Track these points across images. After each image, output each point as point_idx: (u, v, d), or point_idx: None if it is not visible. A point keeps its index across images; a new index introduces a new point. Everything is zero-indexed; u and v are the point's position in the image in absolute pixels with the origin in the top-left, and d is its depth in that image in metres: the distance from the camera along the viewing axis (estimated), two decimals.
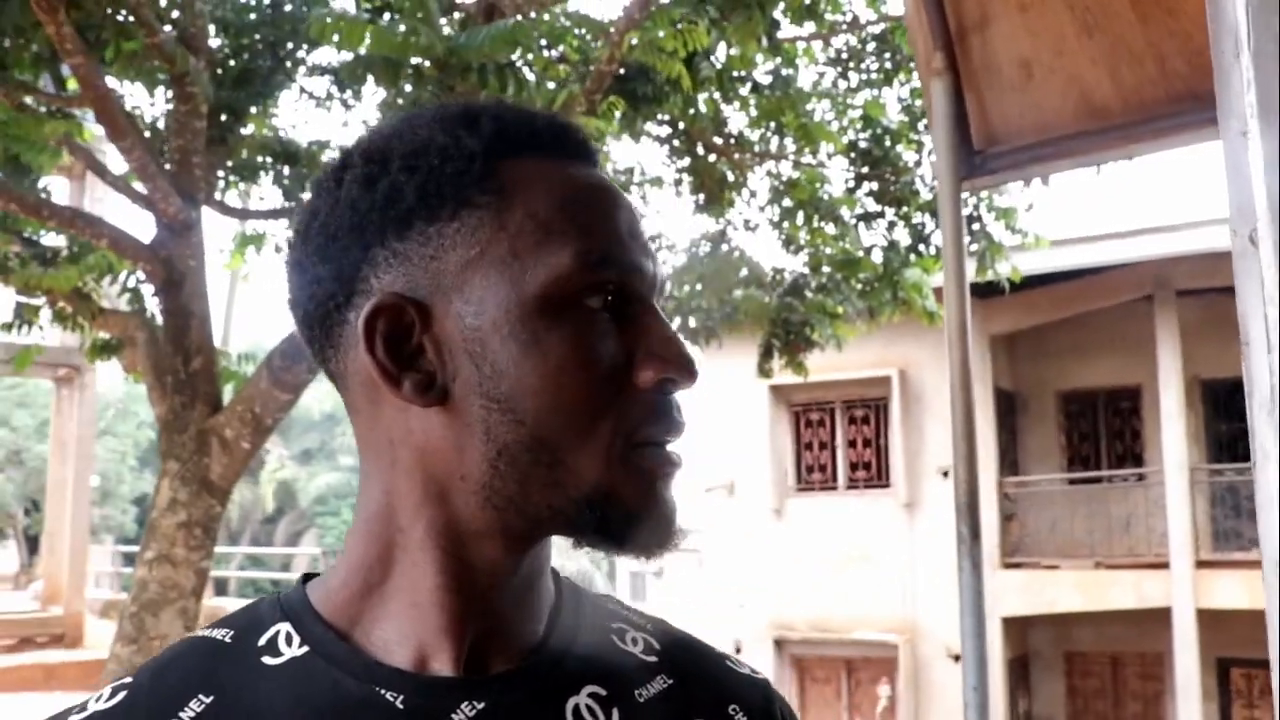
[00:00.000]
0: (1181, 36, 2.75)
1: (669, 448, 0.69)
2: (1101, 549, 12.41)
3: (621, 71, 5.60)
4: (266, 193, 7.64)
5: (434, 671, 0.69)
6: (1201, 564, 11.74)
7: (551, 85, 5.45)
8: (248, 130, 6.92)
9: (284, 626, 0.70)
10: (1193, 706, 11.39)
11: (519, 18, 5.15)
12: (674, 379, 0.68)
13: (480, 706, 0.68)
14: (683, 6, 5.39)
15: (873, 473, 13.82)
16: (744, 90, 7.28)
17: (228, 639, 0.71)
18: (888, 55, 7.73)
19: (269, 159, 7.01)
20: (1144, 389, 12.97)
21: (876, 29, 7.72)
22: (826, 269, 8.07)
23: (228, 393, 6.43)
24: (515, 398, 0.66)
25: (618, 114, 5.65)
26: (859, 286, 8.00)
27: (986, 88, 2.93)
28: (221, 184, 7.04)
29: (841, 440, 13.98)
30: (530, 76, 5.16)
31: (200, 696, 0.67)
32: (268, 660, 0.69)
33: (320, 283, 0.69)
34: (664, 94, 5.92)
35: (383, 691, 0.67)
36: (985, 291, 9.00)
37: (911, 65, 7.37)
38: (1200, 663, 11.59)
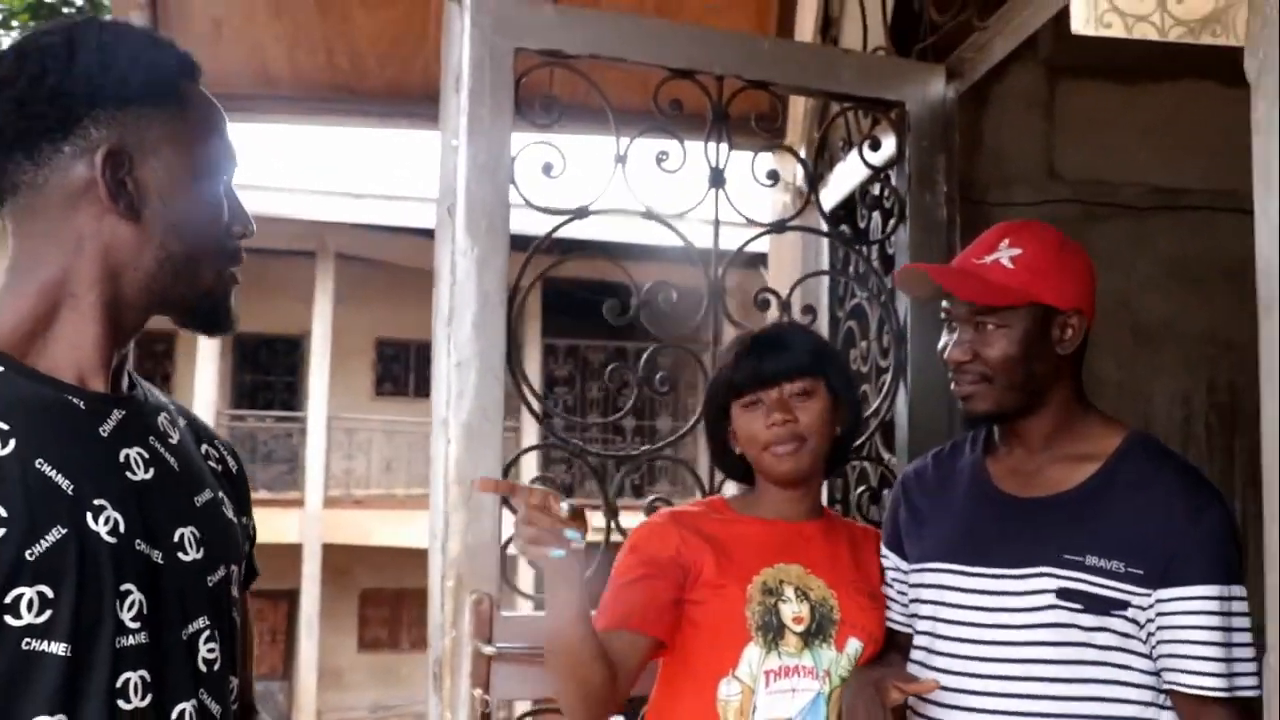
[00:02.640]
0: (348, 39, 3.43)
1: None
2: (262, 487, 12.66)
3: None
4: None
5: (93, 388, 1.04)
6: (330, 502, 12.74)
7: None
8: None
9: None
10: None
11: None
12: (241, 233, 1.14)
13: (123, 413, 1.06)
14: None
15: None
16: None
17: None
18: None
19: None
20: (307, 339, 13.40)
21: None
22: None
23: None
24: (183, 226, 1.07)
25: None
26: None
27: (179, 34, 3.28)
28: None
29: None
30: None
31: None
32: None
33: (41, 119, 1.00)
34: None
35: (68, 397, 1.02)
36: None
37: None
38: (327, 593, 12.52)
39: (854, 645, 1.66)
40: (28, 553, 0.92)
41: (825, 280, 2.80)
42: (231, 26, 3.34)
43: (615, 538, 2.04)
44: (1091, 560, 1.48)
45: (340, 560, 13.13)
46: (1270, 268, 1.30)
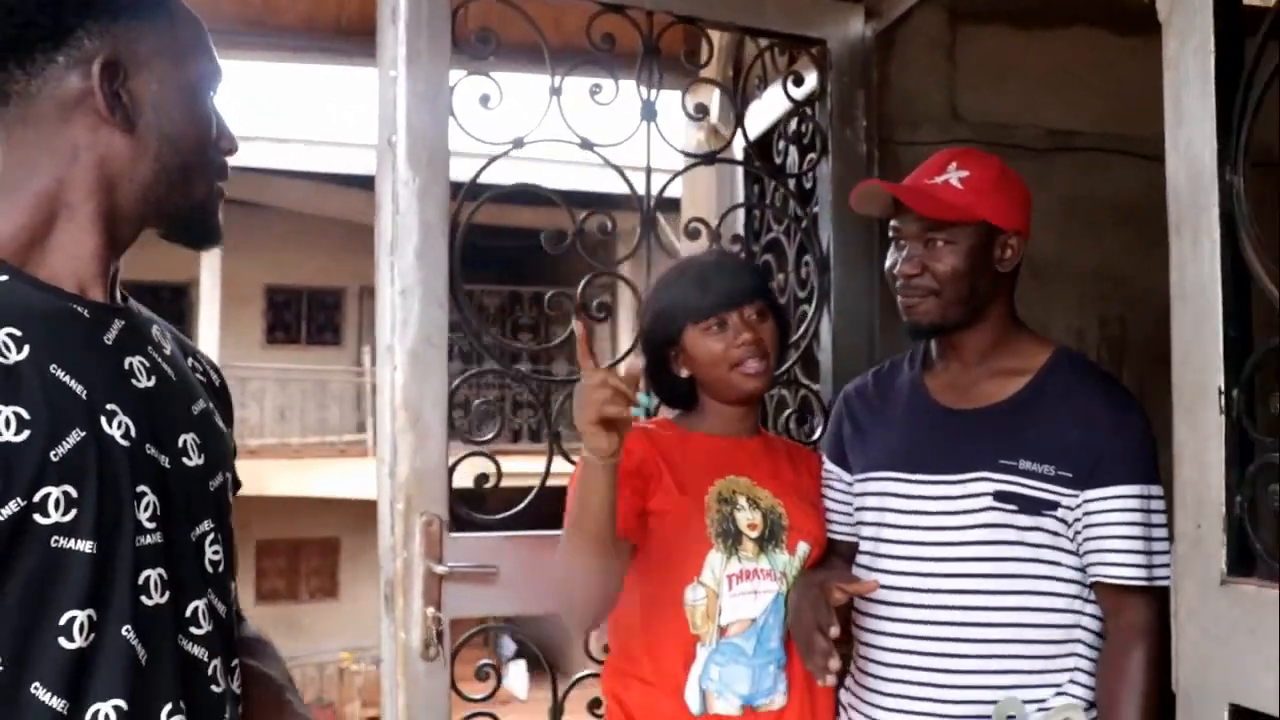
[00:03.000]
0: None
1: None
2: None
3: None
4: None
5: (93, 298, 1.07)
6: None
7: None
8: None
9: None
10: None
11: None
12: (228, 148, 1.16)
13: (122, 323, 1.09)
14: None
15: None
16: None
17: None
18: None
19: None
20: (195, 286, 13.04)
21: None
22: None
23: None
24: (176, 139, 1.09)
25: None
26: None
27: None
28: None
29: None
30: None
31: None
32: None
33: (33, 26, 1.01)
34: None
35: (73, 305, 1.04)
36: None
37: None
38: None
39: (803, 548, 1.77)
40: (51, 454, 0.95)
41: (740, 213, 2.88)
42: None
43: (558, 468, 2.11)
44: (1025, 465, 1.60)
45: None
46: (1177, 190, 1.41)
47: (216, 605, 1.12)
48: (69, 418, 0.97)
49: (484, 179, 2.17)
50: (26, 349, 0.97)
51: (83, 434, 0.98)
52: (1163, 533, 1.59)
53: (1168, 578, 1.51)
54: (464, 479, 2.06)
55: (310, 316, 14.81)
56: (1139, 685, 1.54)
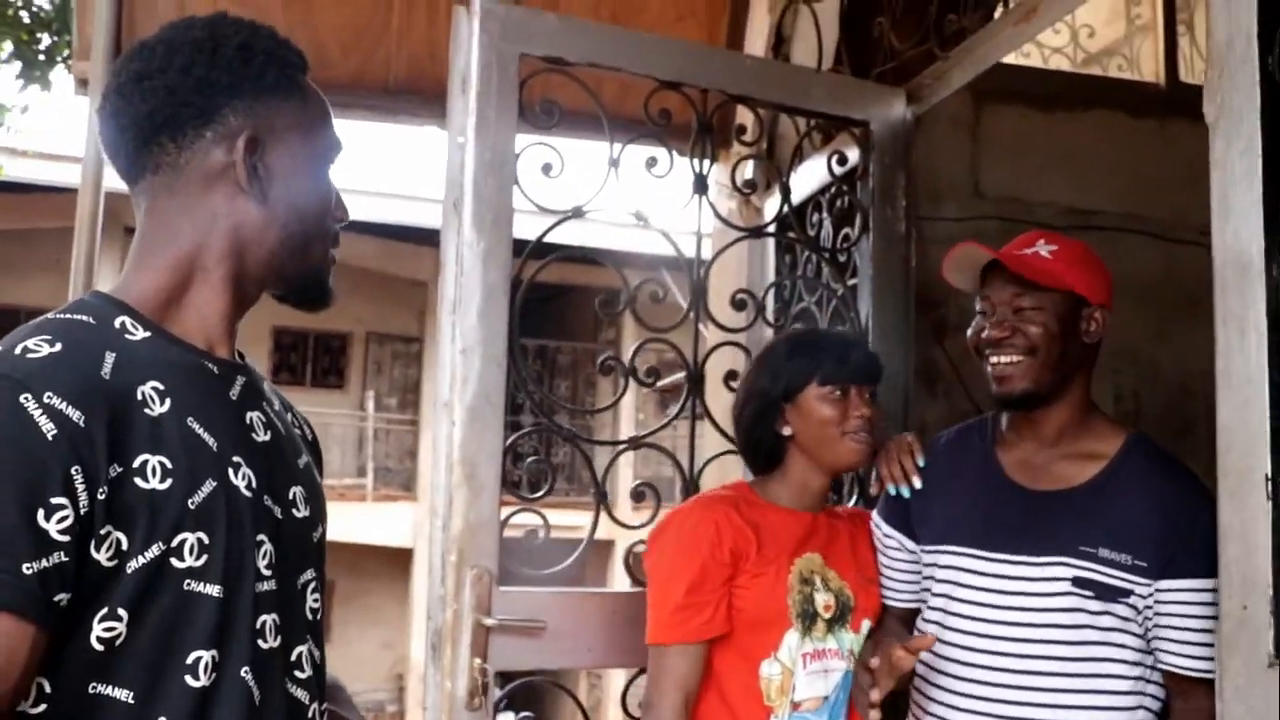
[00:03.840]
0: (310, 28, 3.46)
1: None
2: None
3: None
4: None
5: (220, 355, 1.15)
6: None
7: None
8: None
9: (125, 318, 1.08)
10: None
11: None
12: (341, 216, 1.24)
13: (244, 379, 1.17)
14: None
15: None
16: None
17: (92, 321, 1.06)
18: None
19: None
20: None
21: None
22: None
23: None
24: (301, 208, 1.18)
25: None
26: None
27: (143, 14, 3.30)
28: None
29: None
30: None
31: (107, 352, 1.02)
32: (129, 336, 1.06)
33: (188, 106, 1.11)
34: None
35: (205, 362, 1.12)
36: None
37: None
38: None
39: (865, 625, 1.86)
40: (189, 501, 1.02)
41: (767, 279, 2.96)
42: (196, 9, 3.36)
43: (605, 527, 2.18)
44: (1104, 553, 1.64)
45: None
46: (1225, 283, 1.48)
47: (314, 651, 1.18)
48: (203, 468, 1.04)
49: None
50: (169, 402, 1.04)
51: (214, 484, 1.04)
52: None
53: None
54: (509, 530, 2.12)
55: (316, 359, 14.87)
56: None
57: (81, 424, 0.95)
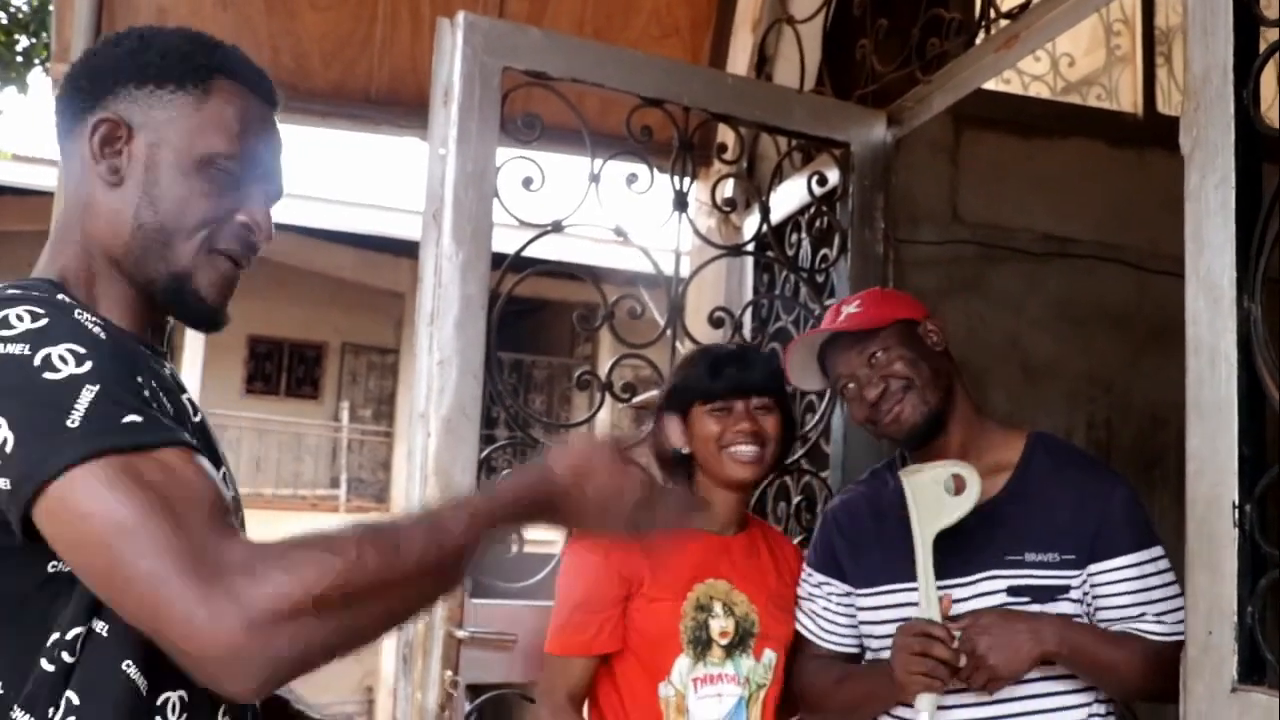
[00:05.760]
0: (294, 36, 3.46)
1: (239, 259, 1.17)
2: None
3: None
4: None
5: (147, 341, 1.14)
6: None
7: None
8: None
9: (85, 315, 1.04)
10: None
11: None
12: (257, 231, 1.16)
13: (171, 365, 1.17)
14: None
15: None
16: None
17: (67, 301, 1.06)
18: None
19: None
20: (180, 330, 12.91)
21: None
22: None
23: None
24: (157, 200, 1.10)
25: None
26: None
27: (123, 20, 3.29)
28: None
29: None
30: None
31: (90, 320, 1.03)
32: (87, 321, 1.03)
33: (80, 91, 1.12)
34: None
35: (140, 345, 1.11)
36: None
37: None
38: None
39: (769, 655, 1.87)
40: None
41: (744, 297, 2.97)
42: (177, 16, 3.34)
43: None
44: (1031, 556, 1.69)
45: None
46: (1196, 313, 1.50)
47: None
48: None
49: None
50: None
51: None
52: (1175, 589, 1.66)
53: (1181, 632, 1.54)
54: None
55: (290, 369, 14.78)
56: (1141, 651, 1.63)
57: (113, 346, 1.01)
